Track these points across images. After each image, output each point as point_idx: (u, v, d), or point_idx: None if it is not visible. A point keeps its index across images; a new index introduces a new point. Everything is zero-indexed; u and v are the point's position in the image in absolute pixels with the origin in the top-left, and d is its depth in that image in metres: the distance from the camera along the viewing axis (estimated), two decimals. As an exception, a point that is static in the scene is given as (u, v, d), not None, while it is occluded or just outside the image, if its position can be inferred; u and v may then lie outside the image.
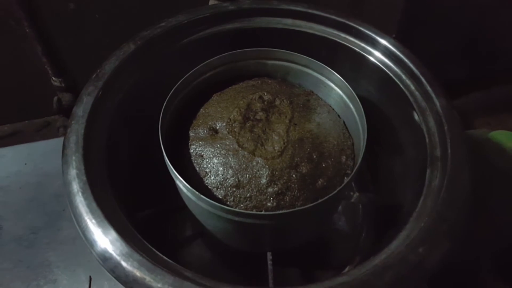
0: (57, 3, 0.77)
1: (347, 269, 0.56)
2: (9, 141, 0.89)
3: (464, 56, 0.98)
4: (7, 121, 0.93)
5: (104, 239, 0.39)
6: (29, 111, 0.94)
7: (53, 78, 0.83)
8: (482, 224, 0.57)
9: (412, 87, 0.52)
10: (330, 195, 0.44)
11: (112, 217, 0.41)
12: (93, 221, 0.40)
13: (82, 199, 0.41)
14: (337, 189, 0.44)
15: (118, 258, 0.38)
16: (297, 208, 0.45)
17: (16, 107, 0.92)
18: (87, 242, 0.40)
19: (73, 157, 0.44)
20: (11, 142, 0.82)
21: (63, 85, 0.84)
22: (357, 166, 0.46)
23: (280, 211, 0.45)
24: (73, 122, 0.47)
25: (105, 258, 0.39)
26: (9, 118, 0.92)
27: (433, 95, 0.50)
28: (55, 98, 0.84)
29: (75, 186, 0.42)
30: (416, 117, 0.51)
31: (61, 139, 0.47)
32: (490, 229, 0.61)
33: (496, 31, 0.94)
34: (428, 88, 0.51)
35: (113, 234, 0.39)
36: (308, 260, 0.59)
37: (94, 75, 0.51)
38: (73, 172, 0.43)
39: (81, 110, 0.48)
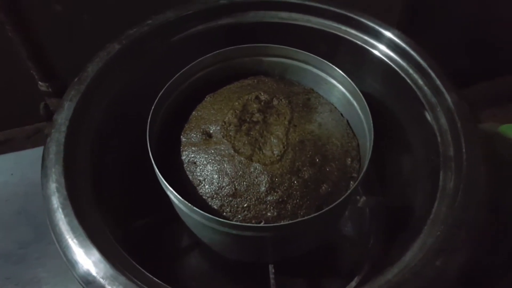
0: (42, 5, 0.74)
1: (355, 279, 0.52)
2: (-1, 150, 0.86)
3: (467, 47, 0.95)
4: (-4, 128, 0.89)
5: (87, 261, 0.36)
6: (19, 118, 0.91)
7: (39, 83, 0.80)
8: (492, 219, 0.54)
9: (420, 82, 0.49)
10: (336, 202, 0.40)
11: (96, 235, 0.38)
12: (75, 240, 0.37)
13: (62, 216, 0.38)
14: (344, 195, 0.41)
15: (102, 281, 0.35)
16: (299, 219, 0.42)
17: (5, 114, 0.88)
18: (68, 264, 0.37)
19: (53, 169, 0.41)
20: (1, 150, 0.79)
21: (50, 90, 0.80)
22: (364, 169, 0.42)
23: (282, 223, 0.42)
24: (53, 130, 0.44)
25: (87, 282, 0.36)
26: (-1, 125, 0.89)
27: (443, 89, 0.46)
28: (42, 104, 0.80)
29: (55, 202, 0.39)
30: (425, 114, 0.47)
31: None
32: (500, 225, 0.58)
33: (500, 21, 0.91)
34: (438, 82, 0.47)
35: (96, 254, 0.36)
36: (313, 269, 0.56)
37: (76, 79, 0.48)
38: (52, 186, 0.40)
39: (62, 117, 0.45)
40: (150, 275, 0.36)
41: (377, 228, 0.59)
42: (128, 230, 0.51)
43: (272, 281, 0.47)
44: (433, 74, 0.48)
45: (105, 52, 0.50)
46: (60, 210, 0.38)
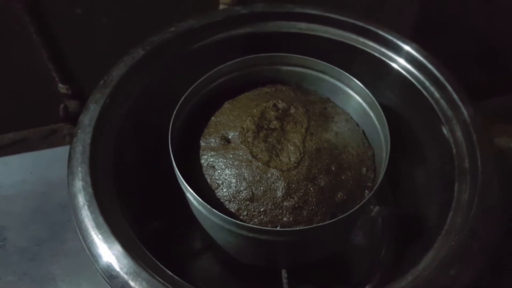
0: (63, 8, 0.76)
1: (367, 287, 0.53)
2: (14, 149, 0.87)
3: (481, 61, 0.96)
4: (12, 128, 0.91)
5: (111, 256, 0.37)
6: (35, 118, 0.92)
7: (59, 84, 0.82)
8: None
9: (437, 95, 0.50)
10: (352, 210, 0.41)
11: (120, 232, 0.39)
12: (100, 236, 0.38)
13: (88, 212, 0.39)
14: (359, 204, 0.41)
15: (125, 277, 0.36)
16: (315, 225, 0.43)
17: (22, 114, 0.90)
18: (93, 259, 0.38)
19: (79, 168, 0.42)
20: (17, 150, 0.80)
21: (69, 92, 0.82)
22: (380, 178, 0.43)
23: (298, 228, 0.43)
24: (79, 131, 0.45)
25: (111, 276, 0.37)
26: (15, 125, 0.91)
27: (459, 103, 0.47)
28: (62, 106, 0.82)
29: (81, 199, 0.40)
30: (441, 126, 0.48)
31: (67, 147, 0.46)
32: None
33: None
34: (454, 95, 0.48)
35: (120, 250, 0.37)
36: (325, 277, 0.56)
37: (101, 82, 0.49)
38: (79, 184, 0.41)
39: (88, 119, 0.46)
40: (170, 272, 0.37)
41: (389, 238, 0.59)
42: (143, 231, 0.52)
43: (285, 286, 0.47)
44: (449, 87, 0.49)
45: (130, 57, 0.51)
46: (86, 207, 0.39)
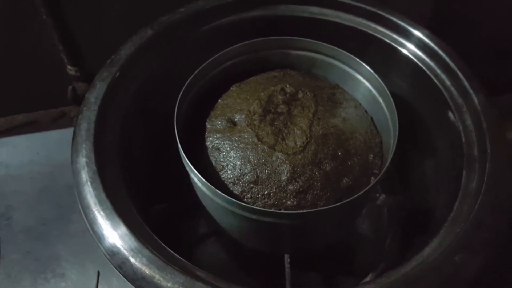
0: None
1: (369, 276, 0.52)
2: (24, 131, 0.88)
3: (493, 57, 0.94)
4: (22, 110, 0.91)
5: (113, 233, 0.37)
6: (45, 100, 0.92)
7: (68, 66, 0.82)
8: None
9: (448, 82, 0.49)
10: (356, 195, 0.40)
11: (122, 210, 0.39)
12: (102, 213, 0.38)
13: (90, 189, 0.39)
14: (364, 189, 0.41)
15: (126, 253, 0.36)
16: (319, 208, 0.42)
17: (31, 96, 0.91)
18: (94, 235, 0.38)
19: (83, 145, 0.42)
20: (26, 132, 0.81)
21: (78, 74, 0.82)
22: (386, 165, 0.42)
23: (301, 211, 0.43)
24: (84, 108, 0.45)
25: (112, 253, 0.37)
26: (25, 107, 0.91)
27: (470, 91, 0.46)
28: (70, 88, 0.82)
29: (84, 176, 0.40)
30: (451, 114, 0.47)
31: (75, 128, 0.46)
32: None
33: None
34: (466, 83, 0.47)
35: (122, 227, 0.37)
36: (328, 264, 0.56)
37: (109, 61, 0.49)
38: (82, 160, 0.41)
39: (94, 96, 0.46)
40: (171, 250, 0.37)
41: (394, 227, 0.58)
42: (147, 213, 0.52)
43: (287, 270, 0.47)
44: (461, 75, 0.48)
45: (138, 37, 0.51)
46: (89, 183, 0.39)
